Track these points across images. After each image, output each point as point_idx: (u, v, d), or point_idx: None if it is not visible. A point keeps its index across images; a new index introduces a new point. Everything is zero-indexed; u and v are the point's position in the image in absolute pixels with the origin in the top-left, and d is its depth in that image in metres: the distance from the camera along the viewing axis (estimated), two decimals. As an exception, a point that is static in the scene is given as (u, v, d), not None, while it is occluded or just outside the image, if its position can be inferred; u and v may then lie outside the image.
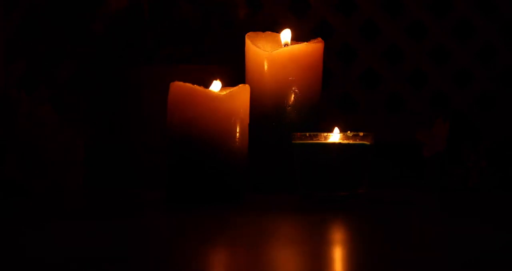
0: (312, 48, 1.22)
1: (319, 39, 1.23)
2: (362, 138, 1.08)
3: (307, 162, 1.09)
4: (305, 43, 1.22)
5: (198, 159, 1.07)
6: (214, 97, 1.08)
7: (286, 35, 1.24)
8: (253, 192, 1.19)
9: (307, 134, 1.10)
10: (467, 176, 1.27)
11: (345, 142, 1.08)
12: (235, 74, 1.31)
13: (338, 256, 0.73)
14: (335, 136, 1.09)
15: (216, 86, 1.11)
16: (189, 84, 1.08)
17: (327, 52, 1.26)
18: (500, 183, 1.27)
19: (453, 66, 1.59)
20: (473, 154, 1.27)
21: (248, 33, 1.24)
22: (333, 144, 1.08)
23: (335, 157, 1.08)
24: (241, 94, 1.10)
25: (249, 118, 1.11)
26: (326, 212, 1.03)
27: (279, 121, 1.21)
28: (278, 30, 1.28)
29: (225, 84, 1.13)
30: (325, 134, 1.09)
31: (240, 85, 1.11)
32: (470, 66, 1.58)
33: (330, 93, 1.58)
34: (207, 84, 1.12)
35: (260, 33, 1.25)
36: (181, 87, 1.08)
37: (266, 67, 1.21)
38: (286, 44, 1.24)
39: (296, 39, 1.25)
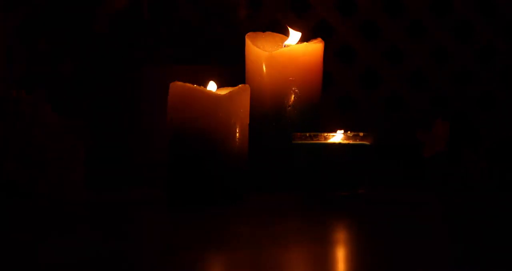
0: (312, 48, 1.22)
1: (319, 39, 1.23)
2: (362, 138, 1.08)
3: (307, 162, 1.09)
4: (305, 43, 1.22)
5: (198, 159, 1.07)
6: (214, 97, 1.08)
7: (294, 37, 1.24)
8: (253, 192, 1.19)
9: (307, 134, 1.10)
10: (467, 176, 1.27)
11: (345, 142, 1.08)
12: (234, 74, 1.31)
13: (338, 256, 0.73)
14: (335, 136, 1.09)
15: (212, 87, 1.11)
16: (189, 84, 1.08)
17: (327, 52, 1.26)
18: (500, 183, 1.27)
19: (453, 66, 1.59)
20: (473, 154, 1.27)
21: (248, 33, 1.24)
22: (333, 144, 1.08)
23: (335, 157, 1.08)
24: (241, 94, 1.10)
25: (249, 118, 1.11)
26: (326, 212, 1.03)
27: (279, 121, 1.21)
28: (278, 30, 1.28)
29: (225, 85, 1.13)
30: (325, 134, 1.09)
31: (240, 85, 1.11)
32: (470, 66, 1.58)
33: (330, 93, 1.58)
34: (206, 84, 1.12)
35: (260, 33, 1.26)
36: (181, 87, 1.08)
37: (266, 67, 1.21)
38: (286, 44, 1.24)
39: (296, 39, 1.25)
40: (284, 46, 1.24)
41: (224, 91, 1.10)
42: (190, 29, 1.48)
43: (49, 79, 1.55)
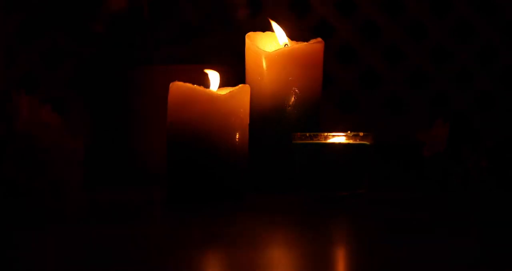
0: (312, 48, 1.22)
1: (319, 39, 1.23)
2: (362, 138, 1.08)
3: (307, 162, 1.09)
4: (305, 43, 1.22)
5: (198, 159, 1.07)
6: (214, 97, 1.08)
7: (280, 34, 1.24)
8: (253, 192, 1.19)
9: (307, 134, 1.10)
10: (467, 176, 1.27)
11: (345, 142, 1.08)
12: (234, 74, 1.31)
13: (337, 256, 0.73)
14: (335, 137, 1.09)
15: (213, 76, 1.11)
16: (189, 84, 1.08)
17: (327, 52, 1.26)
18: (500, 183, 1.27)
19: (453, 66, 1.59)
20: (473, 154, 1.27)
21: (248, 33, 1.24)
22: (333, 144, 1.08)
23: (335, 157, 1.08)
24: (241, 94, 1.10)
25: (249, 118, 1.11)
26: (326, 212, 1.03)
27: (279, 121, 1.21)
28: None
29: (225, 85, 1.13)
30: (325, 134, 1.09)
31: (240, 85, 1.11)
32: (470, 66, 1.58)
33: (330, 93, 1.58)
34: (206, 84, 1.12)
35: (260, 33, 1.25)
36: (181, 87, 1.08)
37: (266, 67, 1.21)
38: (286, 44, 1.24)
39: (296, 39, 1.25)
40: (284, 46, 1.24)
41: (224, 91, 1.10)
42: (190, 29, 1.48)
43: (49, 79, 1.55)
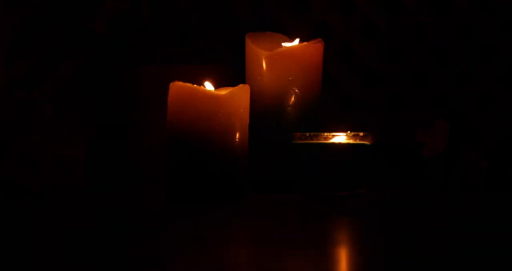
0: (312, 48, 1.22)
1: (319, 39, 1.23)
2: (362, 138, 1.08)
3: (307, 162, 1.09)
4: (305, 43, 1.22)
5: (198, 159, 1.07)
6: (214, 97, 1.08)
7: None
8: (253, 191, 1.19)
9: (307, 134, 1.10)
10: (467, 176, 1.27)
11: (345, 142, 1.08)
12: (234, 74, 1.32)
13: (337, 256, 0.73)
14: (336, 137, 1.09)
15: (208, 87, 1.12)
16: (189, 84, 1.08)
17: (327, 52, 1.26)
18: (500, 183, 1.27)
19: (453, 66, 1.59)
20: (473, 154, 1.27)
21: (248, 33, 1.24)
22: (333, 144, 1.08)
23: (335, 157, 1.08)
24: (241, 94, 1.10)
25: (249, 118, 1.11)
26: (325, 212, 1.03)
27: (279, 121, 1.21)
28: (278, 30, 1.28)
29: (224, 85, 1.13)
30: (325, 134, 1.09)
31: (240, 85, 1.11)
32: (470, 66, 1.58)
33: (330, 93, 1.58)
34: (203, 85, 1.12)
35: (260, 33, 1.26)
36: (181, 87, 1.08)
37: (266, 67, 1.21)
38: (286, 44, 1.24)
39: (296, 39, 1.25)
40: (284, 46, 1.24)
41: (224, 91, 1.10)
42: (190, 29, 1.48)
43: (49, 79, 1.55)
